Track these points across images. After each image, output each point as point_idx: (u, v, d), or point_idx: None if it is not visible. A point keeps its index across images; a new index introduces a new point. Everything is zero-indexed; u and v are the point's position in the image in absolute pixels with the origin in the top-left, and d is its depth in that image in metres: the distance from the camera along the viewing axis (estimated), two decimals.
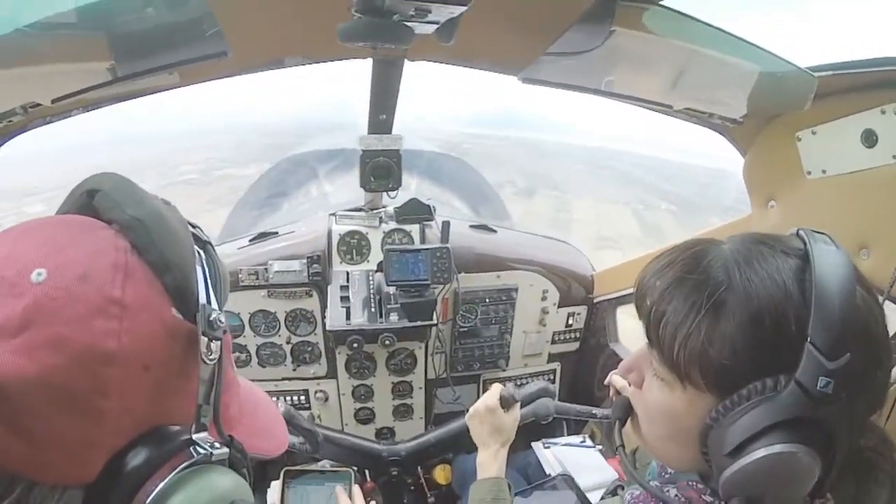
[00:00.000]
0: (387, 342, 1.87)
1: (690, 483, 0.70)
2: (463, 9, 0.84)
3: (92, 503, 0.44)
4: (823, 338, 0.54)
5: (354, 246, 2.08)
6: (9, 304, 0.42)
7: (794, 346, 0.55)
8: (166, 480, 0.45)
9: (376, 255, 2.07)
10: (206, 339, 0.48)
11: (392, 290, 1.90)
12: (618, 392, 1.37)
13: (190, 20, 1.10)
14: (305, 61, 1.35)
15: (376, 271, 2.01)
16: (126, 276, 0.45)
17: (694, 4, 1.05)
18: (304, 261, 2.00)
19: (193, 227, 0.54)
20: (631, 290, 2.20)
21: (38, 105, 1.21)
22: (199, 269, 0.49)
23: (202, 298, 0.48)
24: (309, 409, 2.19)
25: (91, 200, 0.50)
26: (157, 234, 0.47)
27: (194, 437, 0.48)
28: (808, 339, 0.54)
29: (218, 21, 1.07)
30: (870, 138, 1.13)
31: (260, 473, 2.27)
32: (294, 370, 2.12)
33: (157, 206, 0.50)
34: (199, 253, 0.51)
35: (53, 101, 1.20)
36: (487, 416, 1.37)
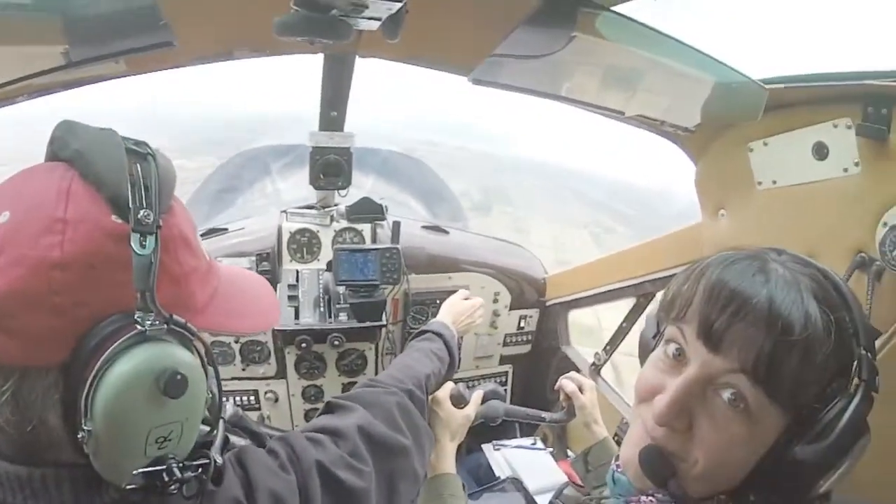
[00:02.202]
0: (336, 342, 1.86)
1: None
2: (399, 5, 0.84)
3: (67, 380, 0.56)
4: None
5: (305, 244, 2.05)
6: None
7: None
8: (105, 354, 0.55)
9: (327, 254, 2.04)
10: (136, 234, 0.56)
11: (341, 289, 1.89)
12: (567, 396, 1.40)
13: (138, 8, 1.06)
14: (254, 54, 1.32)
15: (325, 270, 1.99)
16: (69, 198, 0.56)
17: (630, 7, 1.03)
18: (254, 258, 1.96)
19: (138, 144, 0.62)
20: (583, 294, 2.19)
21: None
22: (129, 179, 0.58)
23: (131, 202, 0.57)
24: (259, 409, 2.13)
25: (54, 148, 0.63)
26: (93, 159, 0.59)
27: (136, 317, 0.57)
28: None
29: (163, 11, 1.03)
30: (821, 151, 1.16)
31: None
32: (243, 370, 2.07)
33: (95, 137, 0.61)
34: (136, 166, 0.59)
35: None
36: (434, 407, 1.37)
